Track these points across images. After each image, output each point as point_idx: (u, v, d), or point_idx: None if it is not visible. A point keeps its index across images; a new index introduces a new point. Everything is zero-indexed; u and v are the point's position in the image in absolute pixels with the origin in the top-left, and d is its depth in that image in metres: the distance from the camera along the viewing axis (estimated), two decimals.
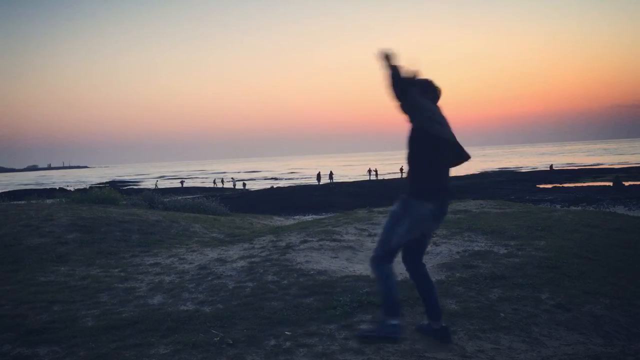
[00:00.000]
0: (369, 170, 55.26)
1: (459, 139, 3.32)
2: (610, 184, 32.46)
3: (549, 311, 4.07)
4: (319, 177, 49.60)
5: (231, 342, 3.55)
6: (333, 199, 32.19)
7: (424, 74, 3.26)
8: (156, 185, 52.41)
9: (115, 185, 63.25)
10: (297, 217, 22.78)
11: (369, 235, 7.40)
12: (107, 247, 7.55)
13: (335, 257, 6.19)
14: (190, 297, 4.81)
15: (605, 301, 4.28)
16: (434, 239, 6.84)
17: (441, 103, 3.39)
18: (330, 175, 50.44)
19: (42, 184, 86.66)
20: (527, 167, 67.88)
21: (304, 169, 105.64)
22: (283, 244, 6.91)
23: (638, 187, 30.66)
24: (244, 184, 53.16)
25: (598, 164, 62.09)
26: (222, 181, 57.17)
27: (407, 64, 3.05)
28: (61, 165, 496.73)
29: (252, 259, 6.20)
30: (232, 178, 60.42)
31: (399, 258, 3.49)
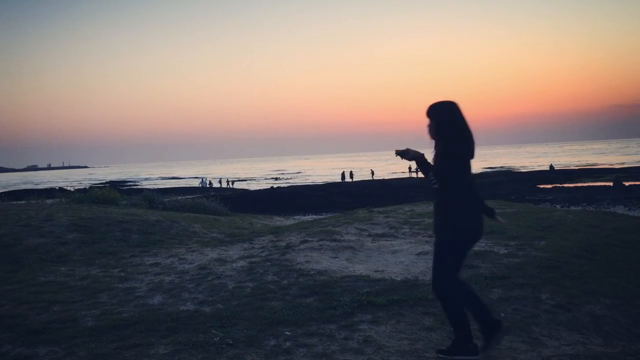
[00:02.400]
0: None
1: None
2: (611, 184, 32.44)
3: (549, 311, 4.07)
4: (343, 176, 51.89)
5: (231, 342, 3.55)
6: (333, 199, 32.18)
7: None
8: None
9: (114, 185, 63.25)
10: (297, 217, 22.75)
11: (369, 235, 7.40)
12: (107, 247, 7.55)
13: (335, 257, 6.19)
14: (190, 297, 4.81)
15: (605, 301, 4.28)
16: (434, 239, 6.84)
17: None
18: (351, 174, 52.58)
19: (24, 184, 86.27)
20: (527, 167, 67.84)
21: (303, 169, 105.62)
22: (283, 244, 6.90)
23: (638, 187, 30.62)
24: (225, 182, 57.42)
25: (598, 164, 62.07)
26: (229, 182, 58.24)
27: None
28: (61, 165, 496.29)
29: (252, 259, 6.20)
30: (227, 180, 61.04)
31: None
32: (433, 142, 3.32)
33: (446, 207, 3.28)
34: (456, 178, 3.22)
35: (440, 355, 3.28)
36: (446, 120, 3.28)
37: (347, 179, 51.30)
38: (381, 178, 52.19)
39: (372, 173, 57.44)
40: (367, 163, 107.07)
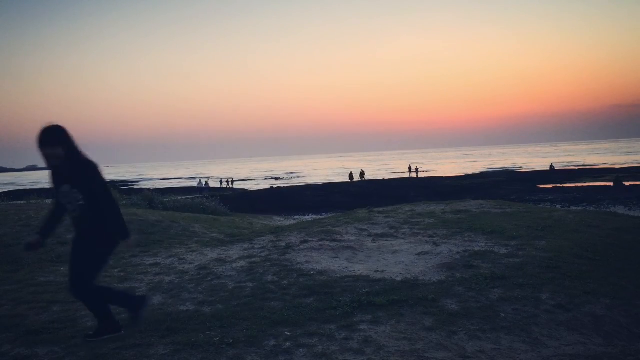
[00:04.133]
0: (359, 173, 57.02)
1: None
2: (611, 184, 32.46)
3: (549, 311, 4.07)
4: (351, 176, 51.26)
5: (231, 342, 3.54)
6: (333, 199, 32.19)
7: None
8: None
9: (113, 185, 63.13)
10: (297, 217, 22.76)
11: (369, 236, 7.40)
12: None
13: (335, 257, 6.19)
14: (190, 297, 4.80)
15: (605, 301, 4.28)
16: (434, 239, 6.84)
17: None
18: (362, 174, 52.23)
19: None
20: (527, 167, 67.82)
21: (302, 169, 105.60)
22: (283, 244, 6.90)
23: (638, 187, 30.63)
24: (225, 182, 57.60)
25: (598, 164, 62.08)
26: (229, 182, 58.24)
27: None
28: None
29: (252, 259, 6.20)
30: (227, 180, 61.12)
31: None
32: (52, 169, 3.49)
33: (98, 217, 3.50)
34: (109, 192, 3.52)
35: (87, 339, 3.63)
36: (73, 142, 3.45)
37: (362, 178, 50.86)
38: (381, 178, 52.14)
39: (363, 174, 55.11)
40: (369, 164, 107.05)
